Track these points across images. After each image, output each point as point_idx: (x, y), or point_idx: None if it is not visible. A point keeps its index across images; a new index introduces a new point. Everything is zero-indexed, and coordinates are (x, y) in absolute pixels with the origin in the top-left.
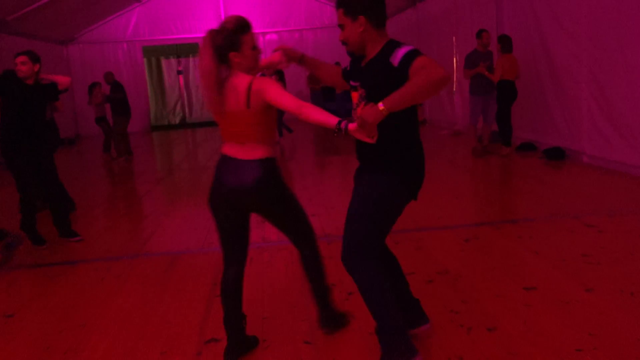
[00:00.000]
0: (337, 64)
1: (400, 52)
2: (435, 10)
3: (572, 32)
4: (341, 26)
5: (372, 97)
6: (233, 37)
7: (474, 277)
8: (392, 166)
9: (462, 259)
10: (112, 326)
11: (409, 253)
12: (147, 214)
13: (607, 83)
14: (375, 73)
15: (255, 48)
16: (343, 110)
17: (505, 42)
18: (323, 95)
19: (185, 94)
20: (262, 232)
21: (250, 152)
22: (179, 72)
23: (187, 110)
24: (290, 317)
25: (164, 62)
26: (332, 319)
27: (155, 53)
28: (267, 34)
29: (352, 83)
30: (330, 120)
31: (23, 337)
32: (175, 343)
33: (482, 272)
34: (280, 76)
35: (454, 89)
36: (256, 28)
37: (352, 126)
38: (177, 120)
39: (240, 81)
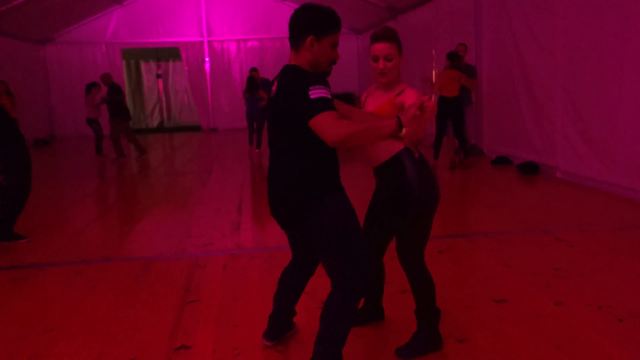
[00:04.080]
0: (254, 69)
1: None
2: (416, 23)
3: (547, 48)
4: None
5: None
6: None
7: (446, 289)
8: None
9: (435, 270)
10: (80, 331)
11: (384, 263)
12: (120, 218)
13: (581, 100)
14: None
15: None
16: None
17: (449, 58)
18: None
19: (164, 98)
20: (237, 239)
21: None
22: (158, 76)
23: (165, 114)
24: (263, 325)
25: (143, 65)
26: None
27: (135, 56)
28: (248, 41)
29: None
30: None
31: None
32: (144, 349)
33: (455, 284)
34: (251, 82)
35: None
36: (237, 35)
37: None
38: (155, 124)
39: None
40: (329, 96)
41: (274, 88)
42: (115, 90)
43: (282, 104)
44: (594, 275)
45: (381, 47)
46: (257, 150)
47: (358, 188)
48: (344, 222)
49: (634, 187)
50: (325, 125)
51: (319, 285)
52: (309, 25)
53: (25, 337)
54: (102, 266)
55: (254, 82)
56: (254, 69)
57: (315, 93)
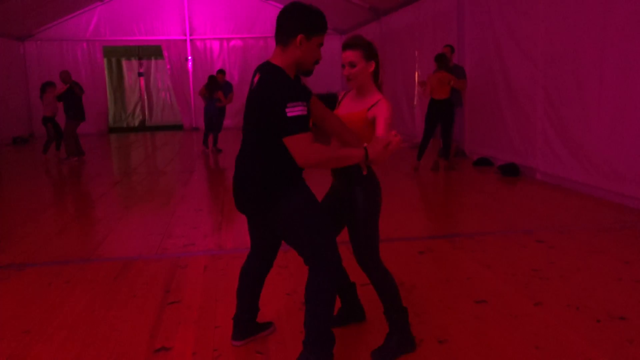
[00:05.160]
0: (221, 71)
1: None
2: (399, 25)
3: (528, 52)
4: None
5: None
6: None
7: (427, 289)
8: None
9: (416, 271)
10: (57, 333)
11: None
12: (100, 218)
13: (561, 103)
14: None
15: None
16: None
17: (438, 60)
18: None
19: (145, 97)
20: (218, 239)
21: None
22: (139, 74)
23: (147, 113)
24: None
25: (124, 63)
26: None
27: (116, 54)
28: (231, 40)
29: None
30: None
31: None
32: (123, 351)
33: (435, 285)
34: (211, 82)
35: (415, 103)
36: (220, 34)
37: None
38: (137, 123)
39: None
40: (306, 113)
41: (255, 79)
42: (75, 89)
43: (259, 104)
44: (573, 276)
45: (346, 55)
46: (212, 148)
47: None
48: (307, 209)
49: (611, 189)
50: (298, 147)
51: (300, 286)
52: (301, 23)
53: (1, 338)
54: (80, 267)
55: (214, 83)
56: (221, 71)
57: (292, 111)
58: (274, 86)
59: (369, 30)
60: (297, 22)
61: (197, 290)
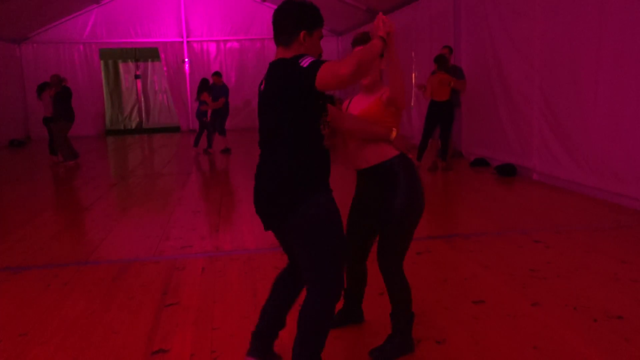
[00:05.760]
0: (217, 74)
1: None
2: (395, 26)
3: (525, 53)
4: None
5: None
6: None
7: (425, 290)
8: None
9: (414, 272)
10: (55, 335)
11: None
12: (97, 220)
13: (557, 103)
14: None
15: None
16: None
17: (437, 61)
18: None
19: (142, 99)
20: (216, 241)
21: None
22: (136, 77)
23: (144, 115)
24: (241, 328)
25: (121, 65)
26: None
27: (113, 56)
28: (228, 42)
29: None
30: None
31: None
32: (121, 353)
33: (433, 285)
34: (202, 84)
35: (412, 104)
36: (217, 36)
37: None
38: (134, 125)
39: None
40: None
41: (262, 87)
42: (65, 93)
43: (273, 95)
44: (570, 276)
45: (358, 50)
46: (206, 149)
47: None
48: (326, 224)
49: (608, 188)
50: (332, 69)
51: None
52: (301, 20)
53: None
54: (78, 269)
55: (202, 85)
56: (216, 73)
57: (305, 61)
58: (281, 65)
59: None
60: (297, 19)
61: (195, 292)
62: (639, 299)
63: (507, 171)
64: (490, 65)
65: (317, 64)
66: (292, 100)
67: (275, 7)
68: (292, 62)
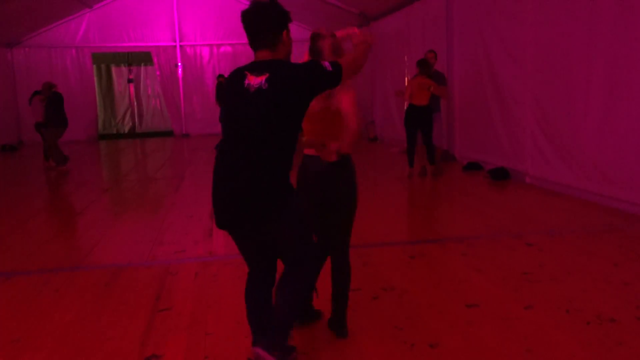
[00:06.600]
0: (221, 76)
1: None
2: (389, 30)
3: (517, 57)
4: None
5: None
6: None
7: (418, 294)
8: None
9: (407, 276)
10: (48, 341)
11: (356, 269)
12: (90, 225)
13: (549, 107)
14: None
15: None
16: None
17: (420, 65)
18: None
19: (135, 103)
20: (209, 246)
21: None
22: (129, 81)
23: (137, 119)
24: (235, 333)
25: (114, 69)
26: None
27: (106, 60)
28: (221, 46)
29: None
30: None
31: None
32: (114, 359)
33: (427, 289)
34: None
35: (405, 107)
36: (210, 40)
37: None
38: (127, 130)
39: None
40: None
41: (258, 80)
42: (56, 98)
43: (283, 95)
44: (563, 279)
45: None
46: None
47: None
48: (306, 212)
49: (600, 192)
50: (350, 68)
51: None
52: (281, 19)
53: None
54: (70, 274)
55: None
56: (220, 76)
57: (327, 65)
58: (304, 68)
59: None
60: (279, 19)
61: (188, 297)
62: (631, 302)
63: (500, 175)
64: (483, 70)
65: (339, 66)
66: (306, 101)
67: None
68: (315, 65)
